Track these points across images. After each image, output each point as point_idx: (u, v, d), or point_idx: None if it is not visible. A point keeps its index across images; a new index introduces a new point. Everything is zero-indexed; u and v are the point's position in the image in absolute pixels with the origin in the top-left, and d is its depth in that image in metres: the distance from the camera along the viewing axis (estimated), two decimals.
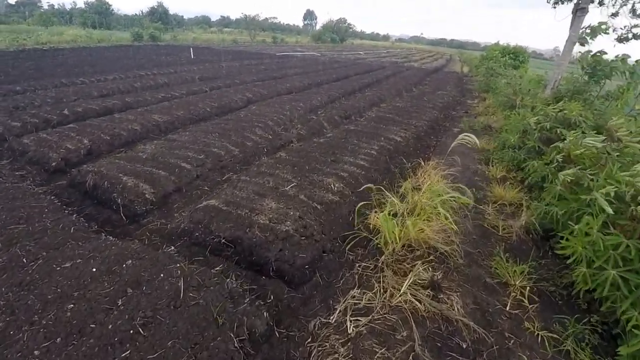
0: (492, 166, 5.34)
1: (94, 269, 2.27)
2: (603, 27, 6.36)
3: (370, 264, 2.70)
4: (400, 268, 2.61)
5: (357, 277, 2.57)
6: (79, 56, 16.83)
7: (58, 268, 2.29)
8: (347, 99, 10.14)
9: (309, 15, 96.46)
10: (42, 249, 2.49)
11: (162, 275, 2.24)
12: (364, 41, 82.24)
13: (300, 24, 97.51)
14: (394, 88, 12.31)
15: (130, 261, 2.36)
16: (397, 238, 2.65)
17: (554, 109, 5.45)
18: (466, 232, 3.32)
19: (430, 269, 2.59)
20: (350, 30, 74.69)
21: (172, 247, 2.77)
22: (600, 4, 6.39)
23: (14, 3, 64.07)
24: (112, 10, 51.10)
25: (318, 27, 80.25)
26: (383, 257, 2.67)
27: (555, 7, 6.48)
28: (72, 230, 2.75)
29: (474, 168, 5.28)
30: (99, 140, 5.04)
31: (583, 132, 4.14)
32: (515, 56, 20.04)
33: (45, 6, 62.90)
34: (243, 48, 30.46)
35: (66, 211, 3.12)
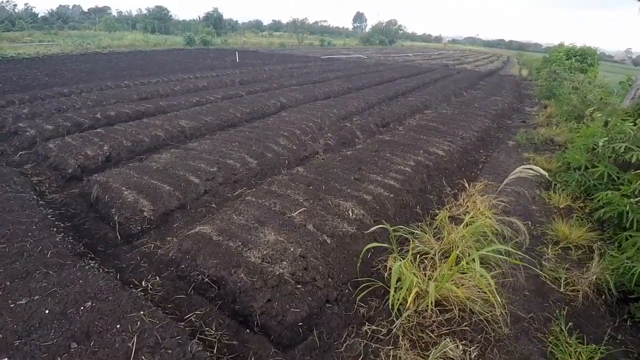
0: (554, 192, 4.40)
1: (47, 311, 1.93)
2: None
3: (384, 326, 2.10)
4: (421, 338, 1.98)
5: (363, 345, 1.98)
6: (132, 59, 17.80)
7: (12, 305, 1.98)
8: (388, 104, 9.43)
9: (359, 17, 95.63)
10: (8, 277, 2.21)
11: (117, 326, 1.84)
12: (414, 43, 79.66)
13: (350, 26, 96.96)
14: (441, 93, 11.33)
15: (90, 303, 1.99)
16: (420, 295, 2.03)
17: (633, 124, 4.39)
18: (516, 285, 2.58)
19: (461, 343, 1.93)
20: (401, 32, 72.84)
21: (149, 284, 2.38)
22: None
23: (86, 10, 70.74)
24: (171, 16, 54.33)
25: (367, 29, 79.21)
26: (400, 320, 2.05)
27: None
28: (48, 254, 2.47)
29: (531, 193, 4.38)
30: (120, 146, 4.92)
31: None
32: (583, 58, 17.82)
33: (114, 13, 68.74)
34: (289, 51, 30.65)
35: (55, 229, 2.87)
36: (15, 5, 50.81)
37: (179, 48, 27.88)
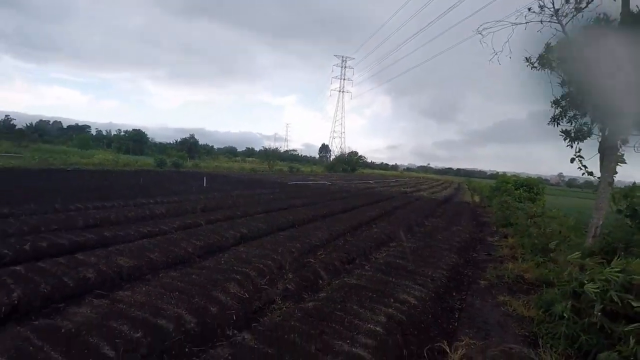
0: (544, 352, 3.86)
1: None
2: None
3: None
4: None
5: None
6: (94, 179, 17.44)
7: None
8: (353, 234, 9.25)
9: (324, 148, 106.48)
10: None
11: None
12: (374, 170, 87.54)
13: (317, 155, 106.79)
14: (404, 222, 11.51)
15: None
16: None
17: (612, 269, 4.26)
18: None
19: None
20: (361, 161, 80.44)
21: None
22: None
23: (65, 127, 73.35)
24: (148, 138, 57.33)
25: (332, 158, 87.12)
26: None
27: (571, 146, 5.99)
28: None
29: (519, 353, 3.81)
30: (35, 293, 4.00)
31: None
32: (530, 188, 19.74)
33: (94, 132, 71.62)
34: (260, 177, 31.98)
35: None
36: None
37: (148, 169, 28.26)
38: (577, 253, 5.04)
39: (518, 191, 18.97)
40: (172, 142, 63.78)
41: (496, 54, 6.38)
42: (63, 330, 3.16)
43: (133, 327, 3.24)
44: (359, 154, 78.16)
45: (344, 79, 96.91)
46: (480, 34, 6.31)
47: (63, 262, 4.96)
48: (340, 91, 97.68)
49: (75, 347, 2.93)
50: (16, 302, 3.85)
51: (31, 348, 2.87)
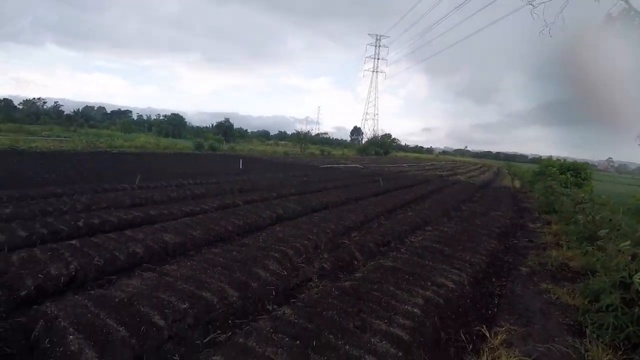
0: (590, 342, 3.66)
1: None
2: None
3: None
4: None
5: None
6: (138, 161, 18.40)
7: None
8: (387, 217, 9.17)
9: (356, 131, 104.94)
10: None
11: None
12: (407, 154, 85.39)
13: (348, 138, 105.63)
14: (440, 206, 11.22)
15: None
16: None
17: None
18: None
19: None
20: (395, 144, 78.72)
21: None
22: None
23: (109, 112, 77.86)
24: (186, 122, 59.40)
25: (364, 141, 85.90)
26: None
27: None
28: None
29: (562, 342, 3.66)
30: (89, 265, 4.35)
31: None
32: (577, 173, 18.49)
33: (134, 116, 75.45)
34: (292, 160, 32.27)
35: None
36: (45, 102, 56.05)
37: (187, 152, 29.41)
38: (628, 241, 4.70)
39: (564, 176, 17.82)
40: (208, 126, 65.77)
41: (547, 25, 5.92)
42: (117, 300, 3.42)
43: (180, 299, 3.44)
44: (392, 137, 76.50)
45: (378, 59, 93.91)
46: (530, 4, 5.87)
47: (114, 237, 5.33)
48: (373, 71, 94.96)
49: (128, 315, 3.17)
50: (74, 273, 4.20)
51: (89, 315, 3.13)
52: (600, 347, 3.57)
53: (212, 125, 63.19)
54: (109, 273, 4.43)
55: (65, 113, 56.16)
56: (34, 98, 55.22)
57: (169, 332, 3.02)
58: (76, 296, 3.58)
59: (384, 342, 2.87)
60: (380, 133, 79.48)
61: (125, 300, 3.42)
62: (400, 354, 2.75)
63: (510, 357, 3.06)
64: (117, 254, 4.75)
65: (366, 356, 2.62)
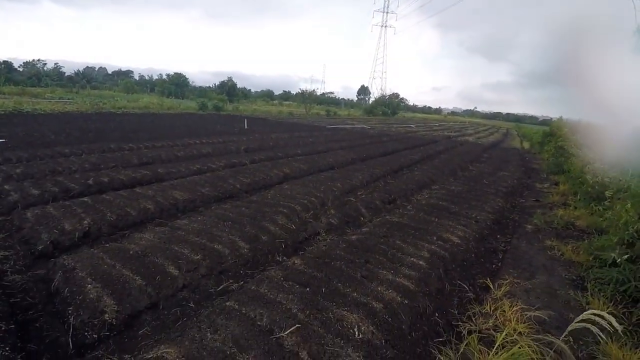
0: (591, 295, 3.76)
1: None
2: None
3: None
4: None
5: None
6: (143, 121, 18.30)
7: None
8: (393, 177, 9.16)
9: (363, 90, 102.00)
10: None
11: None
12: (415, 114, 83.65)
13: (355, 98, 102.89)
14: (447, 166, 11.16)
15: None
16: None
17: None
18: None
19: None
20: (402, 104, 76.85)
21: None
22: None
23: (111, 73, 76.33)
24: (188, 82, 58.15)
25: (371, 101, 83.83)
26: None
27: None
28: None
29: (564, 296, 3.76)
30: (102, 220, 4.47)
31: None
32: None
33: (136, 77, 73.98)
34: (297, 120, 31.77)
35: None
36: (45, 63, 54.89)
37: (191, 112, 29.08)
38: (628, 204, 4.67)
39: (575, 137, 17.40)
40: (211, 86, 64.33)
41: None
42: (131, 252, 3.54)
43: (192, 251, 3.55)
44: (401, 97, 74.39)
45: (387, 12, 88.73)
46: None
47: (124, 194, 5.42)
48: (382, 26, 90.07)
49: (143, 266, 3.29)
50: (87, 228, 4.31)
51: (105, 266, 3.26)
52: (601, 300, 3.67)
53: (215, 84, 61.80)
54: (122, 228, 4.55)
55: (66, 74, 55.03)
56: (33, 59, 53.81)
57: (183, 281, 3.15)
58: (92, 249, 3.70)
59: (390, 290, 2.97)
60: (388, 92, 77.27)
61: (140, 252, 3.53)
62: (406, 301, 2.85)
63: (513, 307, 3.15)
64: (129, 209, 4.85)
65: (373, 303, 2.73)
